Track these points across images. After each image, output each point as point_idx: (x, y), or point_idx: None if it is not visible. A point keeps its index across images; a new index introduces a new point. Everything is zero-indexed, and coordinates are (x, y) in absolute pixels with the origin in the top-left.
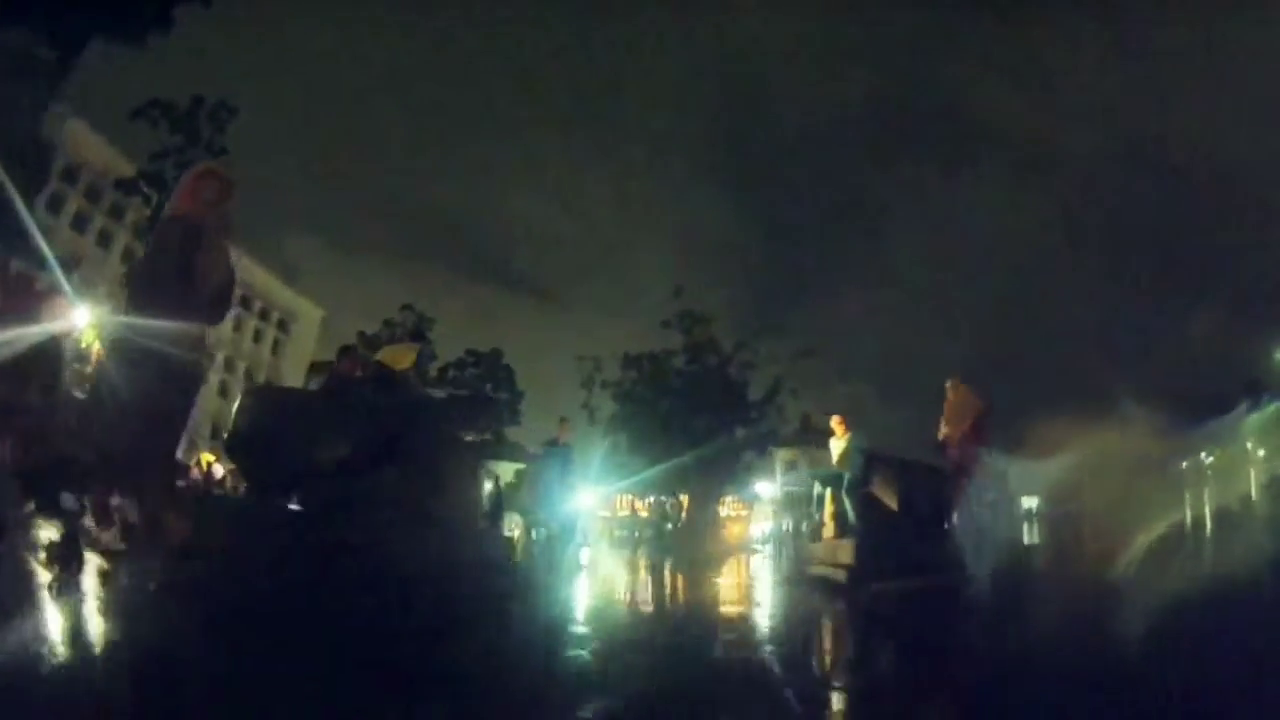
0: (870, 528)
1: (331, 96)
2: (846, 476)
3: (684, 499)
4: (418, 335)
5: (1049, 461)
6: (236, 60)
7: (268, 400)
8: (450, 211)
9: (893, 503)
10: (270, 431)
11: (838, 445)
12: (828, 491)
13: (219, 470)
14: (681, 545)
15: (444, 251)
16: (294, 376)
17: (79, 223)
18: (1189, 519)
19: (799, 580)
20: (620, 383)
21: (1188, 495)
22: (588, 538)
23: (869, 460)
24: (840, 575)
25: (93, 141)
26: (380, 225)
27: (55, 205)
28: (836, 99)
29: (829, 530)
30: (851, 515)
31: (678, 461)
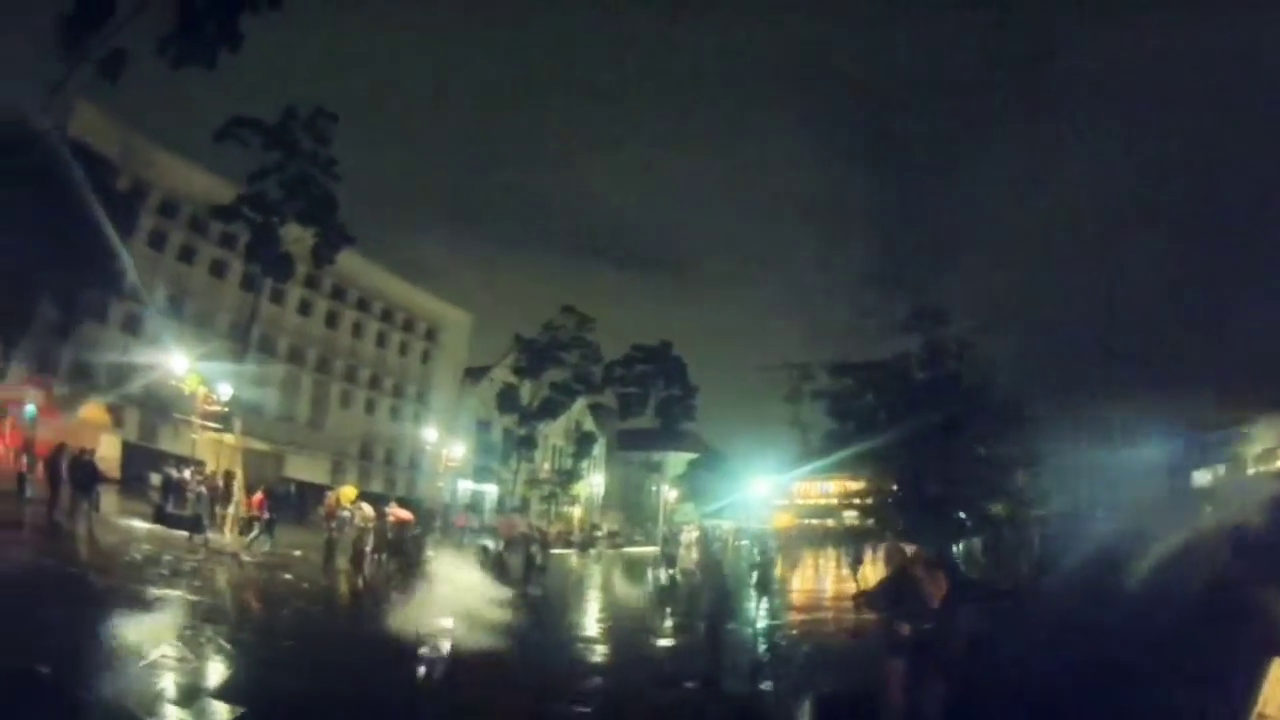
0: None
1: (453, 94)
2: None
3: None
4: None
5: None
6: (309, 68)
7: None
8: (599, 205)
9: None
10: None
11: None
12: None
13: (367, 510)
14: None
15: (593, 246)
16: (447, 385)
17: (186, 255)
18: None
19: None
20: (837, 395)
21: None
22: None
23: None
24: None
25: (186, 171)
26: (524, 221)
27: (158, 242)
28: (935, 43)
29: None
30: None
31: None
